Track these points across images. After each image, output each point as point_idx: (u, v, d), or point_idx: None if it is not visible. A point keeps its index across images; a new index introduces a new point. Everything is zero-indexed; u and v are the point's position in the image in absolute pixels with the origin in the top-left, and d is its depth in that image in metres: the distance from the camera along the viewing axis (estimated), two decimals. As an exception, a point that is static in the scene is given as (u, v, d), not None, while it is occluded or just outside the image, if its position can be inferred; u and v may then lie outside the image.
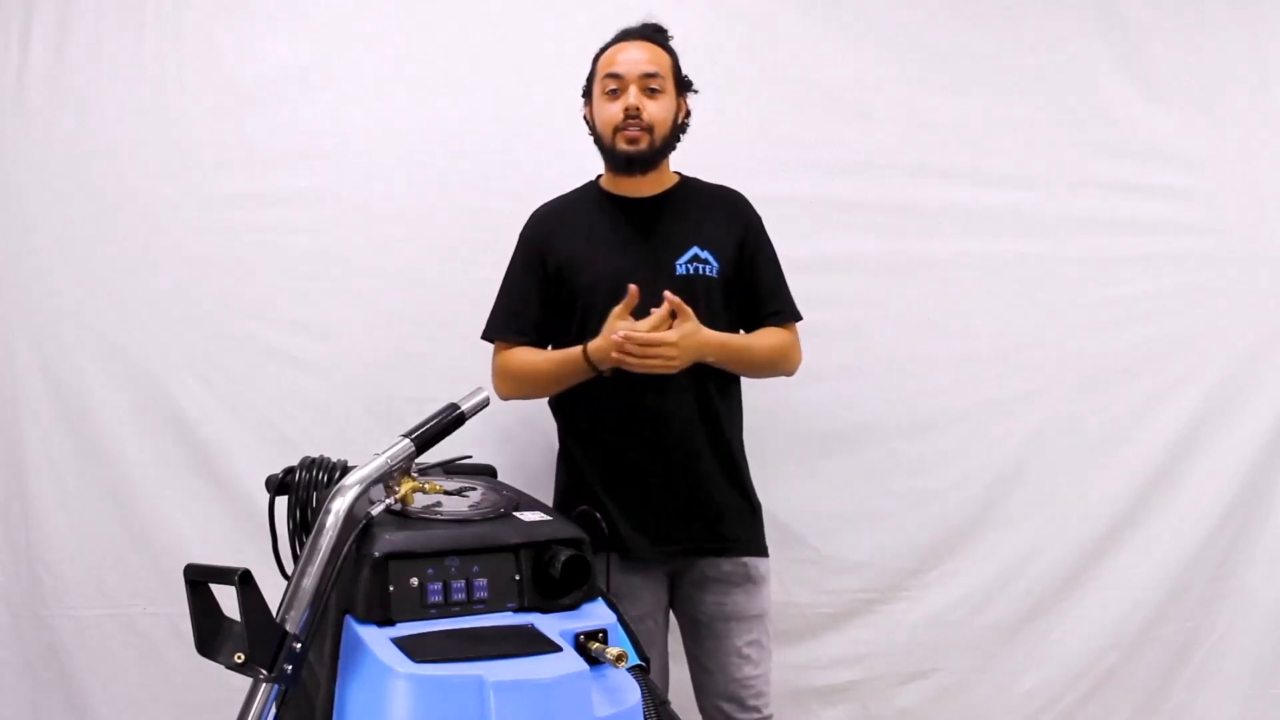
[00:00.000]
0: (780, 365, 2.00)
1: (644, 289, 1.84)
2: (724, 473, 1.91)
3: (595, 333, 1.84)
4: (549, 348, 1.98)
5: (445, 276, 2.29)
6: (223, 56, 2.24)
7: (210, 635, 1.23)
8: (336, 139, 2.27)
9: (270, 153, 2.25)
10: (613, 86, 1.89)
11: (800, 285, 2.34)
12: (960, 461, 2.47)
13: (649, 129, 1.88)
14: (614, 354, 1.76)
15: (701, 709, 1.95)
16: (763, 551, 1.95)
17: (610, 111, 1.89)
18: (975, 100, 2.49)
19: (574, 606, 1.38)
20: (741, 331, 1.98)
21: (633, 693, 1.28)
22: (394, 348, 2.27)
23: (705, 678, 1.93)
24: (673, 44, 1.98)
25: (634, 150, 1.89)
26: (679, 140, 1.97)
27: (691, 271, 1.89)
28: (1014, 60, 2.51)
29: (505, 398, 1.97)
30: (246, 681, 1.24)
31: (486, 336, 1.99)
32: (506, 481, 1.75)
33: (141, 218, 2.21)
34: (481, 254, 2.21)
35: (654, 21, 1.98)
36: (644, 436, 1.87)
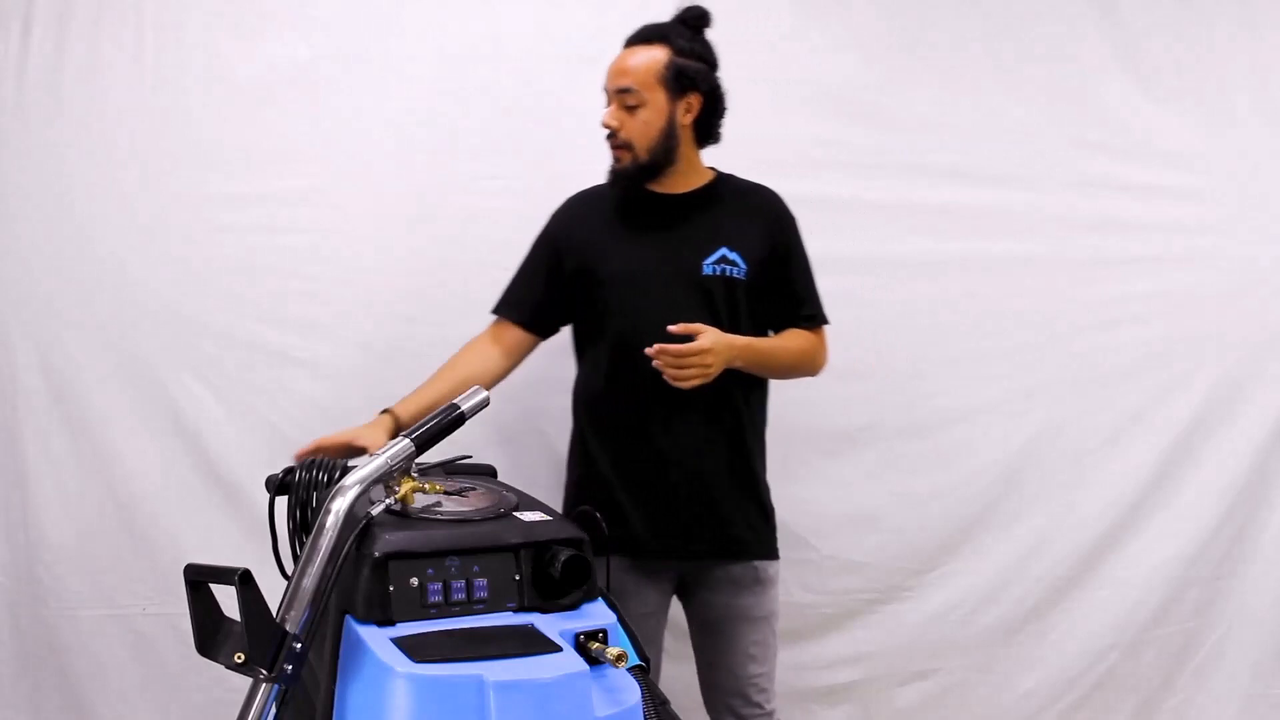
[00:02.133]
0: (805, 367, 1.99)
1: (668, 287, 1.86)
2: (741, 481, 1.91)
3: (616, 325, 1.86)
4: (563, 331, 2.00)
5: (445, 276, 2.29)
6: (223, 57, 2.24)
7: (210, 635, 1.23)
8: (336, 139, 2.27)
9: (270, 153, 2.25)
10: (607, 101, 1.89)
11: (800, 285, 2.34)
12: (960, 461, 2.47)
13: (627, 145, 1.86)
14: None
15: (707, 704, 1.96)
16: (773, 554, 1.95)
17: None
18: (975, 100, 2.49)
19: (574, 606, 1.38)
20: (770, 333, 1.97)
21: (633, 693, 1.28)
22: (394, 347, 2.27)
23: (713, 674, 1.94)
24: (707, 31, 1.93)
25: (617, 168, 1.89)
26: (709, 141, 1.94)
27: (717, 272, 1.87)
28: (1014, 60, 2.51)
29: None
30: (246, 681, 1.24)
31: (493, 310, 2.00)
32: (506, 481, 1.75)
33: (142, 218, 2.21)
34: (482, 254, 2.21)
35: (693, 10, 1.92)
36: (664, 446, 1.86)
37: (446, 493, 1.49)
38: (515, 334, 1.97)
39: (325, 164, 2.26)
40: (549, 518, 1.46)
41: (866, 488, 2.43)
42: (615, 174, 1.90)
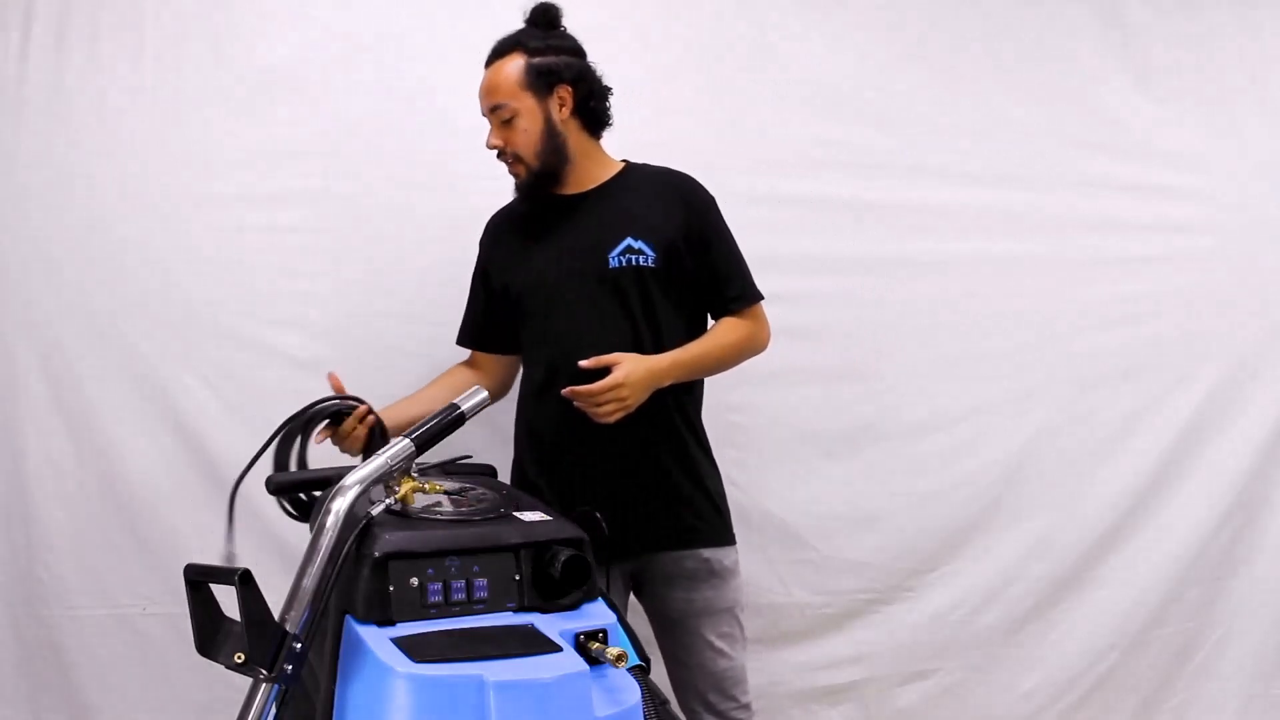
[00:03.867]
0: (746, 354, 1.96)
1: (576, 286, 1.86)
2: (681, 472, 1.87)
3: (535, 333, 1.88)
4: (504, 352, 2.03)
5: (446, 276, 2.28)
6: (223, 56, 2.23)
7: (210, 635, 1.23)
8: (336, 139, 2.26)
9: (270, 153, 2.25)
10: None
11: (801, 285, 2.35)
12: (960, 462, 2.47)
13: (517, 158, 1.88)
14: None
15: (681, 703, 1.93)
16: (725, 541, 1.91)
17: None
18: (975, 100, 2.49)
19: (574, 606, 1.38)
20: (709, 318, 1.96)
21: (633, 693, 1.28)
22: (394, 347, 2.27)
23: (682, 673, 1.92)
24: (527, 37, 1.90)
25: (518, 183, 1.91)
26: (600, 127, 1.93)
27: (624, 263, 1.85)
28: (1014, 60, 2.51)
29: None
30: (246, 681, 1.24)
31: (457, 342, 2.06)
32: (506, 481, 1.75)
33: (141, 217, 2.21)
34: (481, 254, 2.21)
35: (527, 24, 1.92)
36: (593, 452, 1.82)
37: (446, 493, 1.49)
38: (486, 358, 2.03)
39: (325, 164, 2.26)
40: (549, 518, 1.46)
41: (866, 488, 2.43)
42: (519, 189, 1.93)
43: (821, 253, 2.41)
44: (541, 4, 1.91)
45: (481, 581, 1.34)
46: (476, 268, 2.04)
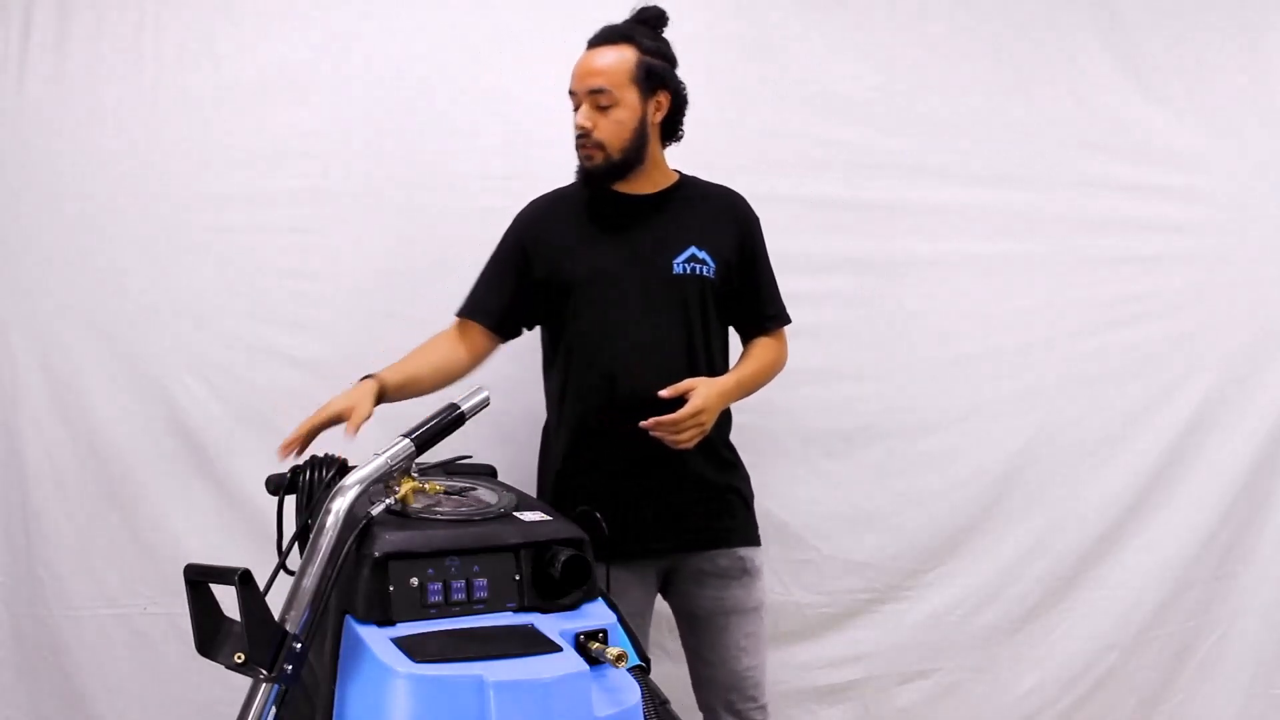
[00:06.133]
0: (775, 375, 2.03)
1: (637, 286, 1.86)
2: (713, 465, 1.89)
3: (586, 327, 1.87)
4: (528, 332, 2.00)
5: (445, 276, 2.28)
6: (222, 56, 2.23)
7: (210, 635, 1.23)
8: (335, 139, 2.26)
9: (269, 153, 2.25)
10: (574, 103, 1.88)
11: (801, 285, 2.34)
12: (960, 461, 2.47)
13: (600, 146, 1.85)
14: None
15: (700, 701, 1.95)
16: (756, 541, 1.95)
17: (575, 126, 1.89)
18: (975, 100, 2.49)
19: (574, 606, 1.38)
20: (734, 332, 1.99)
21: (633, 693, 1.28)
22: (394, 347, 2.25)
23: (706, 670, 1.93)
24: (665, 30, 1.93)
25: (589, 166, 1.88)
26: (675, 137, 1.94)
27: (687, 271, 1.88)
28: (1014, 60, 2.51)
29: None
30: (246, 681, 1.24)
31: (460, 313, 1.98)
32: (506, 481, 1.75)
33: (141, 218, 2.21)
34: (482, 253, 2.21)
35: (647, 10, 1.92)
36: (637, 448, 1.81)
37: (446, 493, 1.49)
38: (481, 337, 1.95)
39: (324, 164, 2.26)
40: (549, 518, 1.46)
41: (866, 488, 2.43)
42: (588, 173, 1.89)
43: (821, 253, 2.42)
44: (654, 6, 1.92)
45: (481, 581, 1.34)
46: (513, 249, 1.96)
